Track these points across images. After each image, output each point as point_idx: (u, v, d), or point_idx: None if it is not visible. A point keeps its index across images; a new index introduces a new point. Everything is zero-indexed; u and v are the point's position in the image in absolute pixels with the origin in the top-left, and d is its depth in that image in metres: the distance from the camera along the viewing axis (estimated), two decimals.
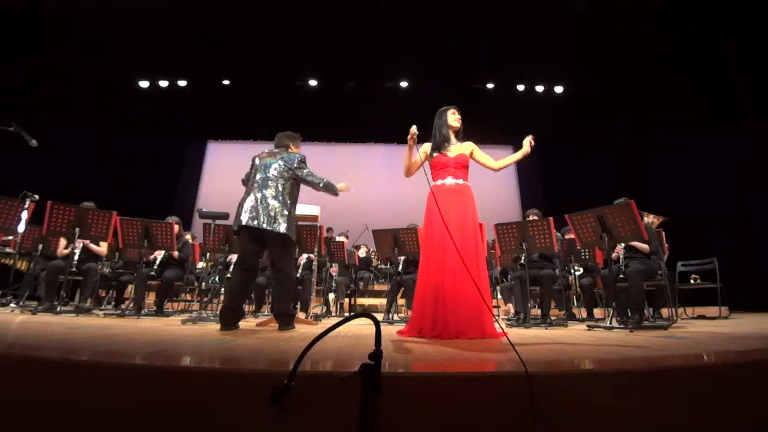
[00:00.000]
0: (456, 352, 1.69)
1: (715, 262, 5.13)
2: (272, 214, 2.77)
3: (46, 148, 4.32)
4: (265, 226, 2.74)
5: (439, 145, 2.74)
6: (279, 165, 2.93)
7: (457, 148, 2.75)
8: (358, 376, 0.92)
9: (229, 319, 2.69)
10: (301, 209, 4.01)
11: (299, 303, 4.28)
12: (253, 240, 2.82)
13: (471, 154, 2.78)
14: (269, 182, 2.87)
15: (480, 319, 2.37)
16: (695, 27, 6.84)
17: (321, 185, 3.01)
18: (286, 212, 2.83)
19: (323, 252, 4.79)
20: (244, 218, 2.78)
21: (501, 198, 9.49)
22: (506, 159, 2.82)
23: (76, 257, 4.15)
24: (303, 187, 3.06)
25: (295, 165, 2.95)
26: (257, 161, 3.02)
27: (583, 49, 7.64)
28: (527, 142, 2.70)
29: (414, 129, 2.57)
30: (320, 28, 7.49)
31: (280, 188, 2.87)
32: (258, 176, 2.92)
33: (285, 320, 2.82)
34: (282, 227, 2.77)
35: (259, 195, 2.82)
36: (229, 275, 4.85)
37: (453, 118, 2.78)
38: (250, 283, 2.95)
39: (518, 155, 2.74)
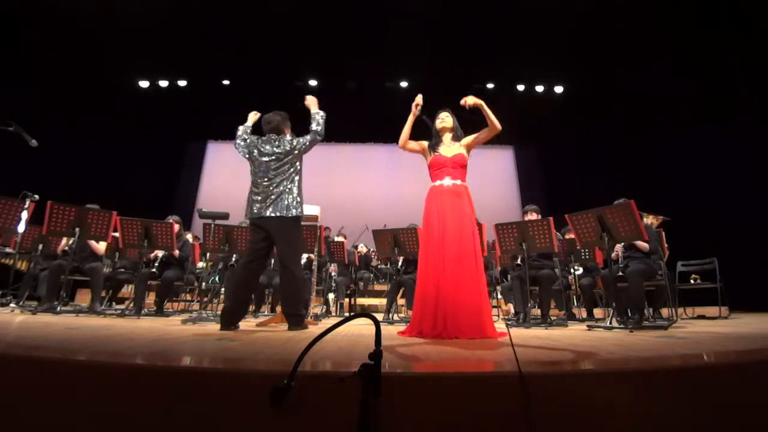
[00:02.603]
0: (456, 352, 1.69)
1: (715, 262, 5.13)
2: (278, 200, 2.81)
3: (46, 148, 4.32)
4: (271, 213, 2.77)
5: (434, 146, 2.82)
6: (282, 152, 2.92)
7: (454, 149, 2.77)
8: (358, 376, 0.92)
9: (229, 319, 2.68)
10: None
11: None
12: (259, 234, 2.83)
13: (468, 146, 2.80)
14: (276, 171, 2.88)
15: (480, 318, 2.37)
16: (695, 26, 6.84)
17: (321, 130, 3.05)
18: (291, 196, 2.86)
19: (323, 252, 4.79)
20: (251, 210, 2.83)
21: (501, 198, 9.50)
22: (487, 115, 2.75)
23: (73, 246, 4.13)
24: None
25: (294, 144, 2.95)
26: (254, 151, 2.96)
27: (583, 49, 7.64)
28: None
29: (419, 99, 2.68)
30: (320, 28, 7.48)
31: (287, 175, 2.89)
32: (261, 166, 2.91)
33: (293, 320, 2.80)
34: (287, 210, 2.80)
35: (268, 186, 2.85)
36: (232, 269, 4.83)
37: (438, 121, 2.85)
38: (250, 278, 2.88)
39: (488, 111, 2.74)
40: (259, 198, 2.85)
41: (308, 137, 3.00)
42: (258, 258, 2.86)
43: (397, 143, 2.83)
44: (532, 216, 4.13)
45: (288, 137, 2.99)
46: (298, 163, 2.98)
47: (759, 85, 6.44)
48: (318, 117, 3.06)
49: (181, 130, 9.46)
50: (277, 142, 2.96)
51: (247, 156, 3.02)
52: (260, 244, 2.83)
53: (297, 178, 2.94)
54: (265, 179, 2.88)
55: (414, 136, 2.80)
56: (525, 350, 1.66)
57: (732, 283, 5.13)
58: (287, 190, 2.86)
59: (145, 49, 7.78)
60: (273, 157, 2.91)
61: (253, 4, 7.05)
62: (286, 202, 2.82)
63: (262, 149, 2.96)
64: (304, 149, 2.98)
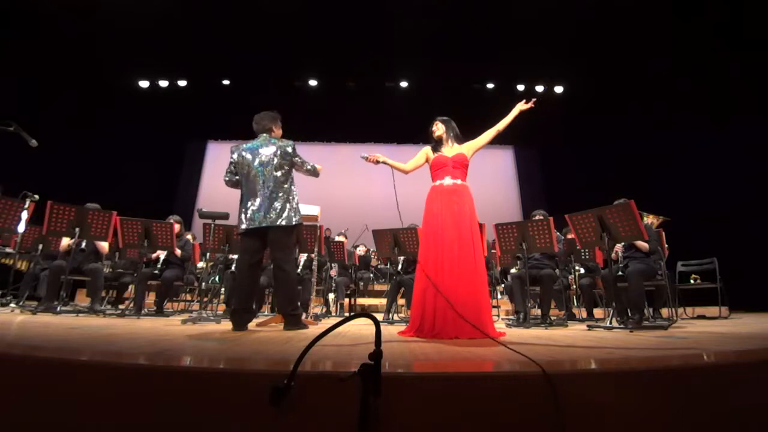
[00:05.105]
0: (456, 352, 1.69)
1: (715, 262, 5.13)
2: (278, 209, 2.78)
3: (46, 148, 4.31)
4: (269, 223, 2.74)
5: (436, 148, 2.86)
6: (275, 155, 2.86)
7: (455, 149, 2.80)
8: (358, 376, 0.92)
9: (244, 318, 2.69)
10: (301, 209, 4.01)
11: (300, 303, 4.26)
12: (255, 239, 2.81)
13: (470, 150, 2.83)
14: (270, 176, 2.82)
15: (479, 318, 2.37)
16: (695, 26, 6.84)
17: (312, 172, 3.03)
18: (290, 204, 2.83)
19: (323, 252, 4.79)
20: (249, 220, 2.76)
21: (501, 198, 9.49)
22: (506, 118, 2.94)
23: (83, 245, 4.11)
24: (300, 186, 3.03)
25: (291, 152, 2.91)
26: (246, 155, 2.89)
27: (584, 49, 7.64)
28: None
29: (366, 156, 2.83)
30: (320, 28, 7.48)
31: (282, 179, 2.85)
32: (254, 170, 2.84)
33: (290, 320, 2.80)
34: (289, 220, 2.79)
35: (264, 191, 2.79)
36: (233, 270, 4.82)
37: (432, 131, 2.90)
38: (257, 278, 2.93)
39: (516, 111, 2.96)
40: (257, 206, 2.78)
41: (301, 160, 2.97)
42: (259, 259, 2.89)
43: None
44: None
45: (289, 142, 2.95)
46: (291, 171, 2.95)
47: (759, 85, 6.44)
48: (313, 165, 3.04)
49: (181, 130, 9.46)
50: (270, 143, 2.93)
51: (235, 174, 2.93)
52: (257, 247, 2.84)
53: (293, 186, 2.92)
54: (263, 184, 2.81)
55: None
56: (525, 350, 1.66)
57: (732, 283, 5.13)
58: (288, 198, 2.84)
59: (145, 49, 7.78)
60: (268, 159, 2.85)
61: (254, 4, 7.05)
62: (287, 213, 2.80)
63: (255, 152, 2.88)
64: (298, 161, 2.94)
